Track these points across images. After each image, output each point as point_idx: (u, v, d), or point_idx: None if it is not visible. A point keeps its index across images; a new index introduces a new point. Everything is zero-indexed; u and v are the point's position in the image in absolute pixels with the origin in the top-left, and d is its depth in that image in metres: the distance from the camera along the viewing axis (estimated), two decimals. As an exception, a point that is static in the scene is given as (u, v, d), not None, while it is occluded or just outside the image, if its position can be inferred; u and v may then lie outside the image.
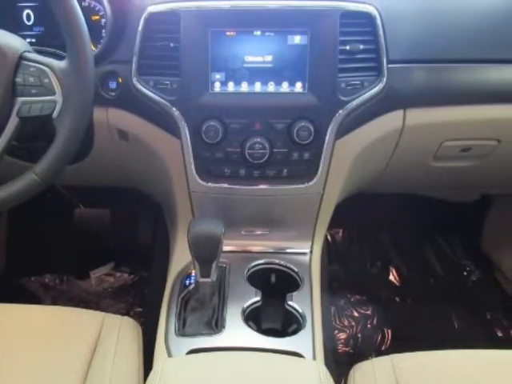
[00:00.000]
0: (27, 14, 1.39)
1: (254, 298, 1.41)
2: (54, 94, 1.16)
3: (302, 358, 1.26)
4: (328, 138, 1.36)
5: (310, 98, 1.34)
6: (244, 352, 1.23)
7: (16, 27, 1.36)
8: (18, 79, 1.15)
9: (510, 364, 1.21)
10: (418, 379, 1.17)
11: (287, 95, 1.35)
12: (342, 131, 1.37)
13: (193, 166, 1.41)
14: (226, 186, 1.43)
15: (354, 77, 1.34)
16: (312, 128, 1.34)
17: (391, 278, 2.23)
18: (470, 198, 2.19)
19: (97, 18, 1.36)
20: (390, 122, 1.40)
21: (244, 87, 1.35)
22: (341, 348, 1.81)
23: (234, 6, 1.32)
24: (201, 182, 1.43)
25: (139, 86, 1.34)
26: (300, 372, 1.13)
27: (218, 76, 1.34)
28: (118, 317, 1.36)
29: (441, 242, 2.41)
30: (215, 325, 1.36)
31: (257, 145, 1.36)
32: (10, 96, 1.15)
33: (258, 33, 1.33)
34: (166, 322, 1.37)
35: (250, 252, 1.56)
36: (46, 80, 1.16)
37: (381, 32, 1.32)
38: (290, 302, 1.41)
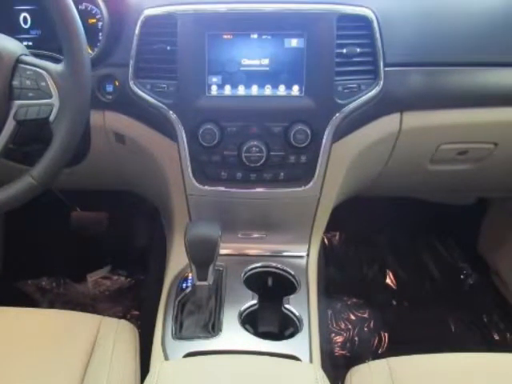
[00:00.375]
0: (24, 18, 1.39)
1: (251, 302, 1.40)
2: (50, 97, 1.16)
3: (298, 361, 1.26)
4: (325, 141, 1.37)
5: (306, 102, 1.34)
6: (241, 355, 1.23)
7: (13, 30, 1.36)
8: (15, 82, 1.15)
9: (506, 367, 1.21)
10: (415, 382, 1.17)
11: (284, 98, 1.35)
12: (339, 134, 1.37)
13: (189, 170, 1.41)
14: (222, 189, 1.43)
15: (351, 80, 1.34)
16: (309, 131, 1.34)
17: (388, 281, 2.23)
18: (467, 201, 2.20)
19: (94, 21, 1.36)
20: (386, 125, 1.40)
21: (241, 90, 1.35)
22: (337, 351, 1.81)
23: (231, 9, 1.32)
24: (197, 185, 1.43)
25: (136, 89, 1.34)
26: (297, 375, 1.13)
27: (214, 79, 1.34)
28: (115, 320, 1.36)
29: (437, 245, 2.41)
30: (212, 328, 1.36)
31: (253, 148, 1.36)
32: (6, 99, 1.15)
33: (255, 36, 1.33)
34: (162, 325, 1.37)
35: (247, 255, 1.56)
36: (43, 83, 1.16)
37: (378, 35, 1.32)
38: (286, 306, 1.41)
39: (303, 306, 1.41)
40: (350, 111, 1.34)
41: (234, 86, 1.35)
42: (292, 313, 1.40)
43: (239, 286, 1.45)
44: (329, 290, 1.88)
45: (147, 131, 1.39)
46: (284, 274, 1.52)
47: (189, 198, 1.47)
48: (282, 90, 1.35)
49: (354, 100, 1.34)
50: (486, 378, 1.18)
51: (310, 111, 1.34)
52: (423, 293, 2.19)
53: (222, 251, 1.43)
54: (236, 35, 1.33)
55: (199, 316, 1.37)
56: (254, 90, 1.35)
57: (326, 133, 1.35)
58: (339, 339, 1.97)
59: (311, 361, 1.28)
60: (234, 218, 1.52)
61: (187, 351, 1.28)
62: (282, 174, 1.41)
